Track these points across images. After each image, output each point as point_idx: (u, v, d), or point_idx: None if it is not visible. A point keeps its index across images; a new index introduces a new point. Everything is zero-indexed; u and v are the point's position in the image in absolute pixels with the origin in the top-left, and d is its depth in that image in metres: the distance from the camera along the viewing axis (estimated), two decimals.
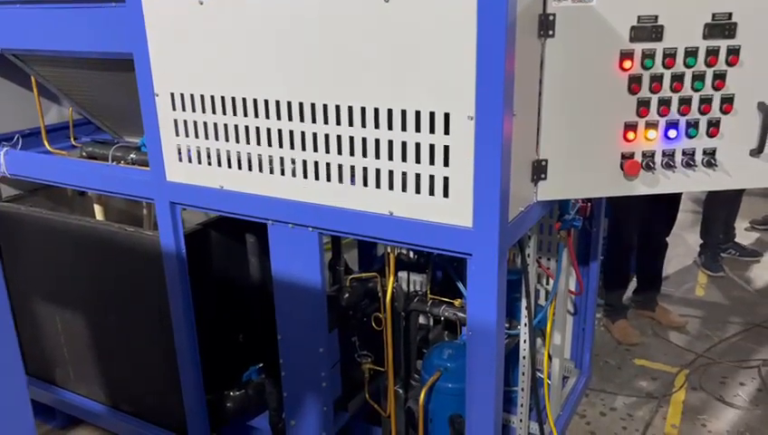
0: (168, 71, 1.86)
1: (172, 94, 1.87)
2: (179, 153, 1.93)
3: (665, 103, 1.66)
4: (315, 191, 1.72)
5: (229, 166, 1.85)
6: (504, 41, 1.36)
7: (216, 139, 1.84)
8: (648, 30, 1.59)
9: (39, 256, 2.48)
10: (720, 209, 4.38)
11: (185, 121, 1.88)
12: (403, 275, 2.22)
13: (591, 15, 1.58)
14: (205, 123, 1.84)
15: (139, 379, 2.42)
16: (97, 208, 2.68)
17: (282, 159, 1.75)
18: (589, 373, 2.90)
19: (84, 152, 2.44)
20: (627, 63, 1.61)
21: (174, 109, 1.88)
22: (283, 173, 1.76)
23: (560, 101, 1.64)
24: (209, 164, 1.88)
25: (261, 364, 2.36)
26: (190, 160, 1.91)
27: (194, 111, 1.85)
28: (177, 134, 1.91)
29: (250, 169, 1.82)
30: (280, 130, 1.73)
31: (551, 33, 1.57)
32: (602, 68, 1.62)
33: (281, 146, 1.74)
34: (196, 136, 1.87)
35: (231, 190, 1.86)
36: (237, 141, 1.80)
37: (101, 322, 2.41)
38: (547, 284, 2.50)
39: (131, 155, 2.28)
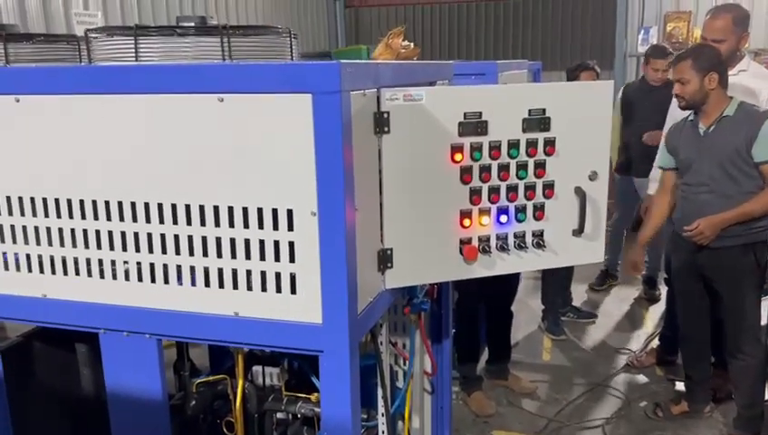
0: None
1: None
2: None
3: (495, 191, 1.77)
4: (152, 295, 1.61)
5: (53, 272, 1.68)
6: (340, 140, 1.39)
7: (38, 243, 1.67)
8: (473, 125, 1.71)
9: None
10: (556, 277, 4.73)
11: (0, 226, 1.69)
12: (258, 369, 2.12)
13: (422, 112, 1.67)
14: (24, 227, 1.67)
15: None
16: None
17: (113, 261, 1.63)
18: None
19: None
20: (458, 156, 1.71)
21: None
22: (114, 277, 1.63)
23: (400, 193, 1.69)
24: (30, 271, 1.70)
25: None
26: (7, 268, 1.72)
27: (11, 214, 1.68)
28: None
29: (78, 273, 1.66)
30: (111, 232, 1.61)
31: (386, 129, 1.63)
32: (436, 160, 1.71)
33: (111, 248, 1.62)
34: (14, 241, 1.69)
35: (56, 299, 1.69)
36: (62, 245, 1.65)
37: None
38: (404, 365, 2.50)
39: None
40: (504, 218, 1.79)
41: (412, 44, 2.29)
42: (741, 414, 3.33)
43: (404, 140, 1.66)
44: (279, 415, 2.13)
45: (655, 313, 4.99)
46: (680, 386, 3.76)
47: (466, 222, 1.76)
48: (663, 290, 5.30)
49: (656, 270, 5.30)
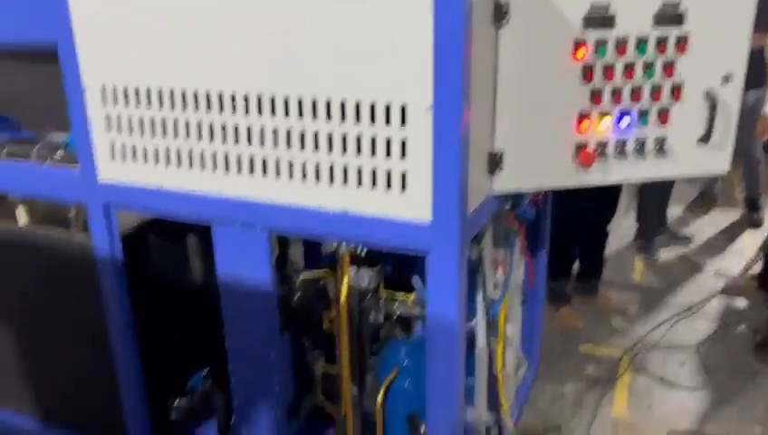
0: (98, 61, 1.72)
1: (103, 87, 1.73)
2: (113, 151, 1.79)
3: (617, 92, 1.65)
4: (264, 188, 1.63)
5: (168, 163, 1.73)
6: (462, 28, 1.32)
7: (154, 134, 1.71)
8: (599, 18, 1.58)
9: None
10: (653, 196, 4.52)
11: (118, 117, 1.74)
12: (353, 269, 2.15)
13: (545, 3, 1.55)
14: (141, 118, 1.71)
15: (75, 391, 2.26)
16: (20, 211, 2.48)
17: (227, 155, 1.65)
18: (538, 362, 2.92)
19: (3, 152, 2.24)
20: (580, 52, 1.60)
21: (105, 103, 1.74)
22: (228, 169, 1.66)
23: (515, 91, 1.60)
24: (146, 162, 1.75)
25: (207, 370, 2.24)
26: (125, 158, 1.78)
27: (128, 105, 1.72)
28: (110, 130, 1.77)
29: (192, 165, 1.70)
30: (224, 125, 1.62)
31: (505, 21, 1.53)
32: (556, 56, 1.60)
33: (225, 141, 1.63)
34: (132, 132, 1.74)
35: (171, 190, 1.74)
36: (177, 137, 1.69)
37: (32, 332, 2.23)
38: (500, 274, 2.48)
39: (58, 154, 2.11)
40: (624, 122, 1.68)
41: None
42: None
43: (523, 33, 1.55)
44: (372, 318, 2.17)
45: (756, 237, 4.70)
46: None
47: (584, 125, 1.66)
48: (766, 213, 5.00)
49: (756, 191, 4.96)
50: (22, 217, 2.47)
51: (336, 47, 1.45)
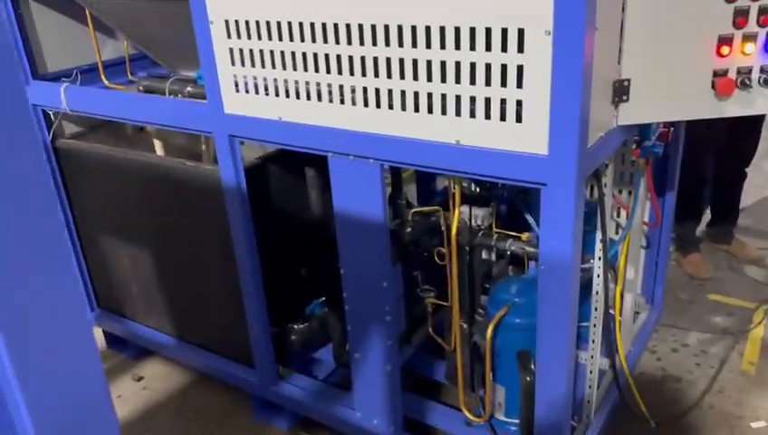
0: None
1: (227, 21, 1.79)
2: (236, 84, 1.87)
3: (765, 13, 1.48)
4: (377, 121, 1.64)
5: (287, 96, 1.77)
6: None
7: (273, 67, 1.76)
8: None
9: (103, 193, 2.51)
10: None
11: (240, 50, 1.80)
12: (465, 209, 2.13)
13: None
14: (261, 51, 1.76)
15: (205, 312, 2.46)
16: (157, 144, 2.67)
17: (341, 87, 1.66)
18: (660, 309, 2.79)
19: (141, 87, 2.41)
20: None
21: (229, 37, 1.81)
22: (342, 102, 1.68)
23: (646, 12, 1.48)
24: (267, 95, 1.81)
25: (324, 298, 2.35)
26: (247, 91, 1.85)
27: (249, 38, 1.77)
28: (234, 64, 1.84)
29: (309, 98, 1.74)
30: (339, 56, 1.63)
31: None
32: None
33: (340, 73, 1.65)
34: (253, 65, 1.80)
35: (290, 122, 1.80)
36: (295, 69, 1.72)
37: (167, 256, 2.44)
38: (618, 216, 2.37)
39: (188, 88, 2.23)
40: None
41: None
42: None
43: None
44: (484, 255, 2.16)
45: None
46: None
47: (725, 50, 1.51)
48: None
49: None
50: (158, 149, 2.67)
51: None
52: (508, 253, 2.06)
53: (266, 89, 1.81)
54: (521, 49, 1.38)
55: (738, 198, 3.54)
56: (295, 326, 2.33)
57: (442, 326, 2.21)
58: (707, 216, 3.60)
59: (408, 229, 2.05)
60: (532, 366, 1.86)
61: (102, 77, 2.54)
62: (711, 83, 1.55)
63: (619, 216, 2.37)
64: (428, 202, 2.66)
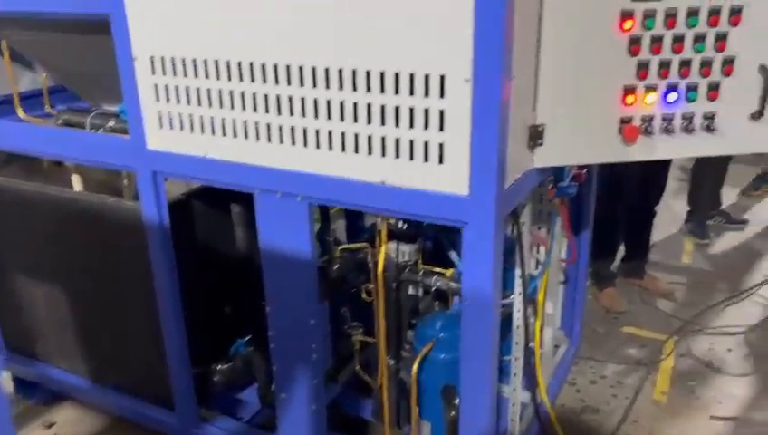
0: (147, 33, 1.77)
1: (152, 58, 1.78)
2: (161, 120, 1.85)
3: (665, 66, 1.61)
4: (304, 159, 1.66)
5: (213, 133, 1.77)
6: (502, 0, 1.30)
7: (200, 104, 1.76)
8: None
9: (17, 229, 2.39)
10: (707, 177, 4.38)
11: (166, 86, 1.79)
12: (393, 245, 2.17)
13: None
14: (187, 88, 1.76)
15: (123, 352, 2.36)
16: (75, 178, 2.58)
17: (268, 125, 1.68)
18: (578, 342, 2.90)
19: (60, 120, 2.34)
20: (627, 23, 1.55)
21: (154, 73, 1.80)
22: (270, 140, 1.69)
23: (559, 63, 1.58)
24: (192, 131, 1.80)
25: (249, 337, 2.31)
26: (172, 127, 1.83)
27: (175, 75, 1.76)
28: (158, 100, 1.82)
29: (235, 135, 1.74)
30: (267, 95, 1.65)
31: None
32: (602, 27, 1.56)
33: (267, 111, 1.66)
34: (178, 102, 1.79)
35: (216, 159, 1.79)
36: (221, 107, 1.73)
37: (84, 295, 2.34)
38: (538, 252, 2.46)
39: (110, 123, 2.19)
40: (672, 97, 1.64)
41: None
42: None
43: (568, 2, 1.52)
44: (411, 291, 2.19)
45: None
46: None
47: (630, 99, 1.63)
48: None
49: None
50: (77, 184, 2.58)
51: (374, 18, 1.45)
52: (433, 289, 2.10)
53: (192, 125, 1.80)
54: (442, 94, 1.44)
55: (649, 235, 3.76)
56: (219, 366, 2.27)
57: (370, 363, 2.22)
58: (622, 252, 3.79)
59: (336, 266, 2.07)
60: (457, 401, 1.90)
61: (18, 109, 2.45)
62: (618, 130, 1.66)
63: (538, 252, 2.47)
64: (357, 238, 2.69)
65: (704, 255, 4.17)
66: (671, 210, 4.62)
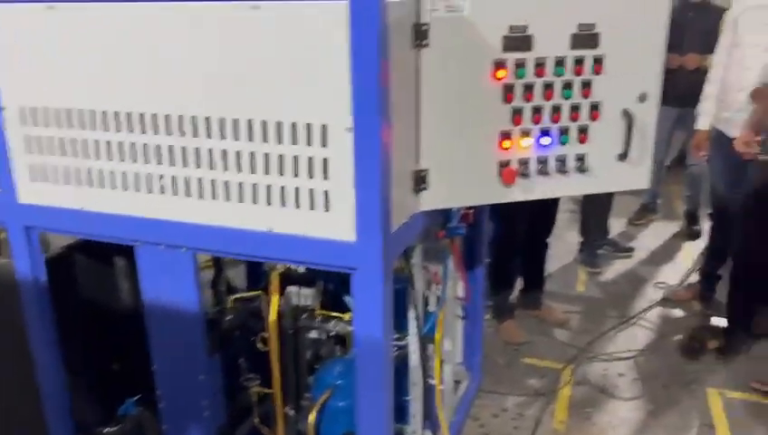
0: (15, 83, 1.68)
1: (21, 108, 1.69)
2: (33, 172, 1.75)
3: (537, 112, 1.70)
4: (188, 209, 1.61)
5: (90, 185, 1.69)
6: (376, 52, 1.33)
7: (74, 155, 1.68)
8: (518, 39, 1.62)
9: None
10: (595, 209, 4.63)
11: (37, 138, 1.70)
12: (293, 289, 2.14)
13: (464, 24, 1.58)
14: (60, 139, 1.68)
15: (1, 418, 2.17)
16: None
17: (149, 175, 1.63)
18: (480, 376, 2.95)
19: None
20: (500, 73, 1.64)
21: (24, 124, 1.70)
22: (151, 190, 1.64)
23: (438, 111, 1.63)
24: (67, 183, 1.72)
25: (138, 396, 2.19)
26: (46, 180, 1.74)
27: (47, 125, 1.68)
28: (30, 151, 1.73)
29: (114, 187, 1.67)
30: (145, 145, 1.60)
31: (425, 42, 1.56)
32: (477, 77, 1.64)
33: (146, 162, 1.61)
34: (51, 153, 1.70)
35: (93, 211, 1.71)
36: (98, 158, 1.66)
37: None
38: (437, 290, 2.50)
39: None
40: (545, 140, 1.73)
41: None
42: None
43: (444, 54, 1.59)
44: (313, 334, 2.17)
45: (694, 248, 4.86)
46: (717, 322, 3.70)
47: (506, 143, 1.70)
48: (704, 226, 5.16)
49: (697, 204, 5.14)
50: None
51: (257, 69, 1.45)
52: (332, 334, 2.08)
53: (66, 177, 1.71)
54: (325, 143, 1.45)
55: (543, 266, 3.92)
56: (106, 429, 2.13)
57: (270, 415, 2.15)
58: (521, 284, 3.92)
59: (228, 317, 2.01)
60: None
61: None
62: (497, 172, 1.73)
63: (437, 290, 2.51)
64: (258, 283, 2.64)
65: (596, 283, 4.39)
66: (565, 241, 4.84)
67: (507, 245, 3.56)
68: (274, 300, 1.86)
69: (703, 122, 3.91)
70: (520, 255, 3.78)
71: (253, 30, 1.42)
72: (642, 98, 1.76)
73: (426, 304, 2.37)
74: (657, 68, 1.75)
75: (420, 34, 1.55)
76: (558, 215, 3.82)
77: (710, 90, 3.85)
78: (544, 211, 3.63)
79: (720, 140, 3.69)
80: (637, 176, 1.84)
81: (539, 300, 3.87)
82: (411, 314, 1.97)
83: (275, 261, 1.61)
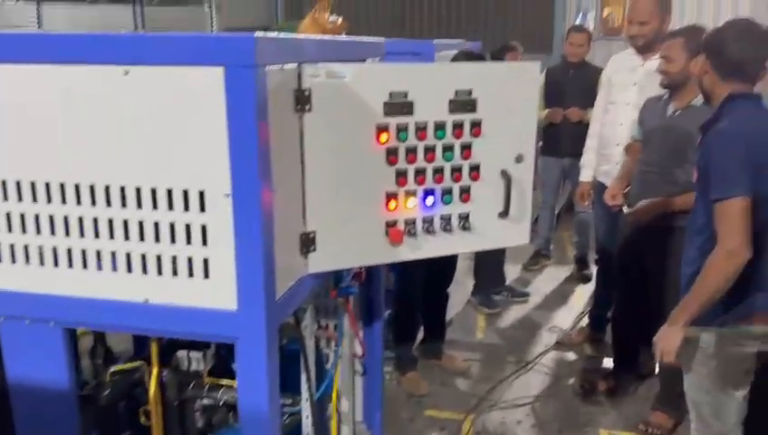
0: None
1: None
2: None
3: (421, 173, 1.74)
4: (55, 280, 1.51)
5: None
6: (254, 118, 1.32)
7: None
8: (399, 105, 1.67)
9: None
10: (490, 253, 4.79)
11: None
12: (182, 353, 2.04)
13: (347, 90, 1.61)
14: None
15: None
16: None
17: (12, 246, 1.51)
18: (381, 432, 2.90)
19: None
20: (383, 136, 1.67)
21: None
22: (14, 261, 1.52)
23: (323, 174, 1.63)
24: None
25: None
26: None
27: None
28: None
29: None
30: (9, 213, 1.49)
31: (307, 107, 1.57)
32: (361, 141, 1.66)
33: (10, 230, 1.50)
34: None
35: None
36: None
37: None
38: (328, 350, 2.47)
39: None
40: (429, 201, 1.77)
41: (340, 19, 2.21)
42: (664, 391, 3.44)
43: (327, 118, 1.60)
44: (206, 401, 2.06)
45: (586, 291, 5.11)
46: (608, 363, 3.87)
47: (392, 204, 1.73)
48: (594, 270, 5.45)
49: (586, 249, 5.43)
50: None
51: (131, 135, 1.40)
52: (221, 403, 1.99)
53: None
54: (203, 209, 1.41)
55: (444, 315, 3.98)
56: None
57: None
58: (422, 333, 3.95)
59: (106, 392, 1.87)
60: None
61: None
62: (385, 233, 1.74)
63: (334, 347, 2.48)
64: (145, 348, 2.49)
65: (494, 329, 4.50)
66: (464, 289, 4.96)
67: (407, 297, 3.61)
68: (155, 372, 1.76)
69: (585, 174, 4.17)
70: (421, 305, 3.82)
71: (124, 95, 1.38)
72: (519, 159, 1.84)
73: (327, 360, 2.32)
74: (531, 131, 1.85)
75: (302, 100, 1.56)
76: (458, 263, 3.92)
77: (590, 143, 4.12)
78: (443, 262, 3.70)
79: (601, 191, 3.93)
80: (517, 232, 1.91)
81: (440, 349, 3.92)
82: (303, 379, 1.93)
83: (152, 333, 1.53)
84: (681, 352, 2.41)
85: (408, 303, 3.64)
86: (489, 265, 4.81)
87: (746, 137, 2.25)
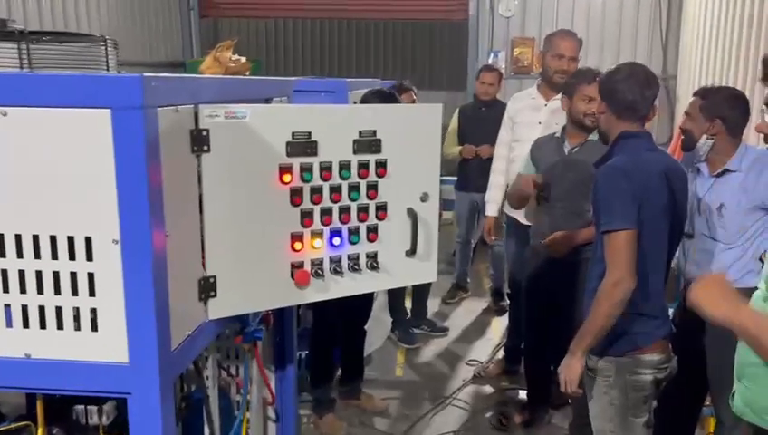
0: None
1: None
2: None
3: (327, 213, 1.72)
4: None
5: None
6: (144, 160, 1.26)
7: None
8: (303, 145, 1.65)
9: None
10: (403, 290, 4.81)
11: None
12: (80, 408, 1.89)
13: (247, 131, 1.58)
14: None
15: None
16: None
17: None
18: None
19: None
20: (286, 177, 1.64)
21: None
22: None
23: (223, 216, 1.58)
24: None
25: None
26: None
27: None
28: None
29: None
30: None
31: (205, 148, 1.52)
32: (263, 181, 1.62)
33: None
34: None
35: None
36: None
37: None
38: (235, 398, 2.37)
39: None
40: (336, 241, 1.74)
41: (243, 59, 2.18)
42: (576, 420, 3.51)
43: (227, 159, 1.56)
44: None
45: (502, 323, 5.20)
46: (523, 395, 3.92)
47: (298, 245, 1.69)
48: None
49: (501, 281, 5.55)
50: None
51: (10, 179, 1.31)
52: None
53: None
54: (90, 257, 1.33)
55: (361, 354, 3.93)
56: None
57: None
58: (339, 372, 3.88)
59: None
60: None
61: None
62: (290, 274, 1.70)
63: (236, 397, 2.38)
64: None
65: (413, 365, 4.49)
66: (383, 325, 4.93)
67: (323, 337, 3.54)
68: (40, 432, 1.62)
69: (490, 209, 4.28)
70: (338, 343, 3.76)
71: (2, 137, 1.29)
72: (424, 198, 1.85)
73: (233, 409, 2.22)
74: (436, 170, 1.87)
75: (199, 140, 1.51)
76: (375, 300, 3.90)
77: (494, 179, 4.24)
78: (358, 299, 3.66)
79: (513, 225, 4.04)
80: (425, 270, 1.92)
81: (358, 389, 3.86)
82: (206, 431, 1.83)
83: (35, 391, 1.41)
84: (583, 382, 2.48)
85: (324, 341, 3.58)
86: (400, 296, 4.81)
87: (632, 172, 2.38)
